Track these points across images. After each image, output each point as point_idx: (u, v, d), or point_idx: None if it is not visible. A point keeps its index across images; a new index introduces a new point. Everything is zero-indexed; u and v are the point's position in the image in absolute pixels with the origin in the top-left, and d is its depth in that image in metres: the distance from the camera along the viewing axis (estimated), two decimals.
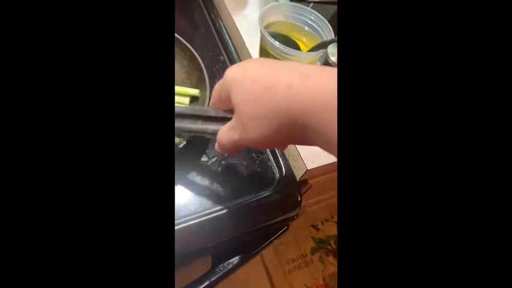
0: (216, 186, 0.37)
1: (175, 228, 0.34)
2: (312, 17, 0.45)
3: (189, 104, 0.40)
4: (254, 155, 0.41)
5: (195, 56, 0.40)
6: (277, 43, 0.40)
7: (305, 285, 1.08)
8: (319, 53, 0.43)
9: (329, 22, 0.43)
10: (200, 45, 0.43)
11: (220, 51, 0.50)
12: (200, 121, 0.30)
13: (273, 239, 0.41)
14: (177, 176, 0.37)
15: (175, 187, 0.37)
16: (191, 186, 0.37)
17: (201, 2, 0.57)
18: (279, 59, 0.43)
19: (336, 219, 1.26)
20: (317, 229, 1.24)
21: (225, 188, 0.37)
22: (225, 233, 0.38)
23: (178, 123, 0.31)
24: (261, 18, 0.42)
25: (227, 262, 0.39)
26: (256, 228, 0.39)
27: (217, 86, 0.27)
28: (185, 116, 0.31)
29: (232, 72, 0.25)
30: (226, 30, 0.53)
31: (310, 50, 0.43)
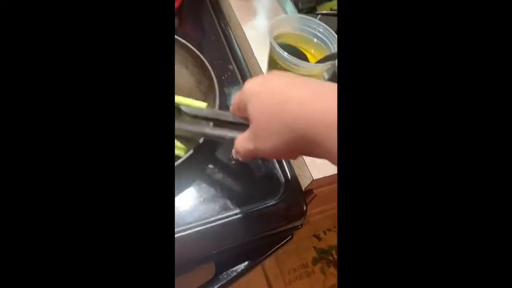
0: (222, 194, 0.37)
1: (180, 234, 0.35)
2: (321, 29, 0.46)
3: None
4: (260, 162, 0.41)
5: (205, 64, 0.41)
6: (285, 54, 0.41)
7: None
8: (327, 64, 0.43)
9: (337, 34, 0.44)
10: (210, 54, 0.44)
11: (230, 60, 0.51)
12: (219, 126, 0.32)
13: (277, 248, 0.41)
14: (184, 183, 0.38)
15: (182, 193, 0.37)
16: (197, 193, 0.37)
17: (211, 10, 0.58)
18: (287, 70, 0.43)
19: None
20: (319, 239, 1.23)
21: (231, 195, 0.38)
22: (229, 240, 0.38)
23: (197, 127, 0.33)
24: (271, 29, 0.43)
25: (231, 270, 0.39)
26: (260, 237, 0.39)
27: (237, 95, 0.28)
28: (205, 119, 0.32)
29: (251, 84, 0.26)
30: (236, 40, 0.54)
31: (318, 62, 0.44)
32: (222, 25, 0.56)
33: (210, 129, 0.32)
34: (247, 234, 0.38)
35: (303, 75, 0.42)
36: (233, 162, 0.40)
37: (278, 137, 0.23)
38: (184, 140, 0.38)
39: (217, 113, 0.32)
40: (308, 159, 0.42)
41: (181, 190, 0.37)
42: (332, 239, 1.22)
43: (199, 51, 0.42)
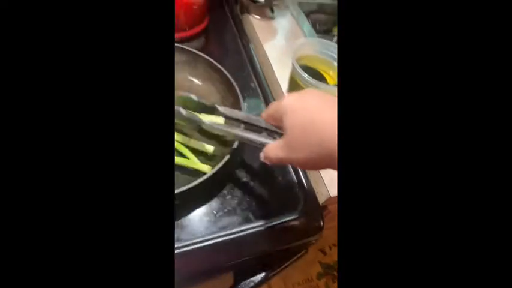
0: (244, 206, 0.39)
1: (204, 244, 0.36)
2: None
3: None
4: (280, 178, 0.43)
5: (231, 83, 0.44)
6: (305, 75, 0.44)
7: None
8: None
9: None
10: (233, 72, 0.46)
11: (252, 78, 0.54)
12: (251, 130, 0.35)
13: (293, 261, 0.43)
14: (210, 194, 0.40)
15: (208, 204, 0.39)
16: (222, 204, 0.39)
17: (235, 31, 0.61)
18: (305, 88, 0.46)
19: None
20: (324, 253, 1.23)
21: (252, 208, 0.40)
22: (248, 252, 0.40)
23: (229, 128, 0.36)
24: (294, 53, 0.46)
25: (249, 280, 0.40)
26: (278, 250, 0.40)
27: (273, 105, 0.31)
28: (237, 120, 0.36)
29: (290, 99, 0.28)
30: (257, 59, 0.57)
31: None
32: (245, 45, 0.59)
33: (241, 131, 0.35)
34: (266, 247, 0.40)
35: None
36: (245, 179, 0.42)
37: (309, 151, 0.26)
38: (219, 143, 0.41)
39: (249, 117, 0.36)
40: (325, 176, 0.43)
41: (208, 201, 0.39)
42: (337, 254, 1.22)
43: (224, 69, 0.45)
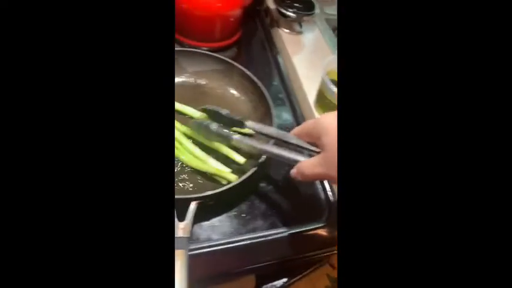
0: (271, 212, 0.41)
1: (231, 245, 0.38)
2: None
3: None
4: (307, 187, 0.45)
5: (263, 92, 0.46)
6: (334, 89, 0.46)
7: None
8: None
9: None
10: (262, 82, 0.48)
11: (280, 89, 0.56)
12: (282, 147, 0.36)
13: (314, 269, 0.44)
14: (240, 198, 0.41)
15: (238, 207, 0.41)
16: (250, 208, 0.41)
17: (265, 43, 0.64)
18: (334, 103, 0.48)
19: None
20: (333, 267, 1.22)
21: (279, 214, 0.41)
22: (272, 256, 0.41)
23: (258, 144, 0.37)
24: (324, 68, 0.48)
25: (271, 284, 0.41)
26: (301, 257, 0.41)
27: (309, 123, 0.33)
28: (267, 136, 0.37)
29: (331, 118, 0.30)
30: (286, 71, 0.59)
31: None
32: (274, 57, 0.61)
33: (269, 147, 0.37)
34: (290, 253, 0.41)
35: None
36: (271, 187, 0.44)
37: None
38: (247, 156, 0.42)
39: (278, 132, 0.37)
40: None
41: (237, 204, 0.41)
42: None
43: (257, 80, 0.47)
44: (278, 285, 0.41)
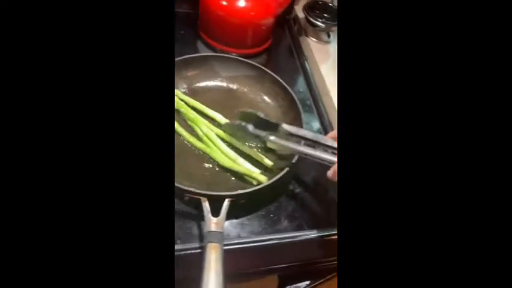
0: (299, 214, 0.42)
1: (258, 244, 0.39)
2: None
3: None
4: (335, 192, 0.45)
5: (293, 98, 0.48)
6: None
7: None
8: None
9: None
10: (291, 89, 0.50)
11: (307, 96, 0.57)
12: (319, 148, 0.38)
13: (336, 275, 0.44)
14: (270, 198, 0.43)
15: (267, 208, 0.42)
16: (278, 209, 0.42)
17: (294, 51, 0.66)
18: None
19: None
20: None
21: (307, 216, 0.42)
22: (296, 258, 0.42)
23: (292, 145, 0.39)
24: None
25: (294, 286, 0.42)
26: (325, 261, 0.42)
27: None
28: (301, 138, 0.39)
29: None
30: (313, 78, 0.61)
31: None
32: (302, 64, 0.63)
33: (304, 148, 0.39)
34: (314, 256, 0.42)
35: None
36: (299, 190, 0.45)
37: None
38: (277, 156, 0.44)
39: (315, 135, 0.39)
40: None
41: (266, 205, 0.42)
42: None
43: (288, 86, 0.49)
44: (301, 287, 0.42)
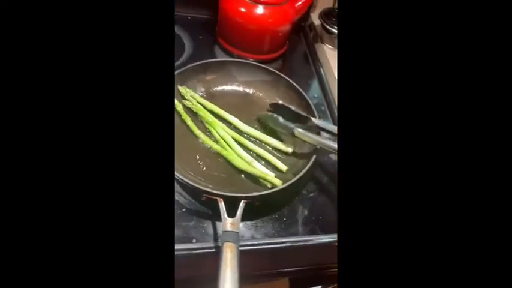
0: (312, 218, 0.42)
1: (270, 246, 0.40)
2: None
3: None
4: None
5: (309, 103, 0.48)
6: None
7: None
8: None
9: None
10: (307, 96, 0.51)
11: (322, 102, 0.58)
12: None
13: None
14: (283, 201, 0.43)
15: (280, 211, 0.43)
16: (291, 213, 0.43)
17: (309, 57, 0.66)
18: None
19: None
20: None
21: (320, 221, 0.42)
22: (307, 262, 0.42)
23: (323, 139, 0.42)
24: None
25: None
26: (333, 266, 0.42)
27: None
28: (331, 133, 0.42)
29: None
30: (328, 84, 0.61)
31: None
32: (317, 70, 0.64)
33: (331, 142, 0.40)
34: (326, 261, 0.42)
35: None
36: (312, 194, 0.45)
37: None
38: (294, 163, 0.45)
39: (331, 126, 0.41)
40: None
41: (280, 208, 0.43)
42: None
43: (303, 91, 0.50)
44: None
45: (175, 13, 0.66)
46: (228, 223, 0.35)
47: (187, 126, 0.47)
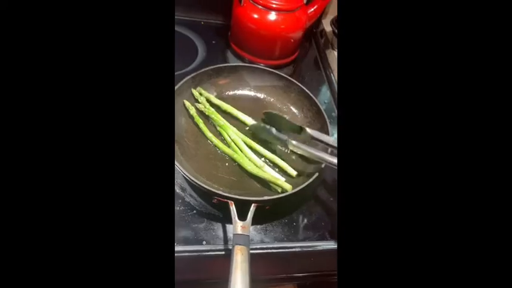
0: (322, 224, 0.43)
1: (278, 250, 0.40)
2: None
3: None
4: None
5: (320, 110, 0.49)
6: None
7: None
8: None
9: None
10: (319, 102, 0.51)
11: (333, 108, 0.58)
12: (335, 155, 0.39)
13: None
14: (293, 205, 0.44)
15: (290, 216, 0.43)
16: (301, 217, 0.43)
17: (319, 62, 0.67)
18: None
19: None
20: None
21: (329, 226, 0.42)
22: (315, 267, 0.42)
23: (315, 151, 0.41)
24: None
25: None
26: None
27: None
28: (326, 144, 0.41)
29: None
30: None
31: None
32: (328, 76, 0.64)
33: (327, 155, 0.40)
34: (334, 267, 0.42)
35: None
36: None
37: None
38: (304, 167, 0.45)
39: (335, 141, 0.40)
40: None
41: (290, 213, 0.43)
42: None
43: (314, 97, 0.50)
44: None
45: (189, 19, 0.67)
46: (238, 226, 0.35)
47: (200, 129, 0.48)
